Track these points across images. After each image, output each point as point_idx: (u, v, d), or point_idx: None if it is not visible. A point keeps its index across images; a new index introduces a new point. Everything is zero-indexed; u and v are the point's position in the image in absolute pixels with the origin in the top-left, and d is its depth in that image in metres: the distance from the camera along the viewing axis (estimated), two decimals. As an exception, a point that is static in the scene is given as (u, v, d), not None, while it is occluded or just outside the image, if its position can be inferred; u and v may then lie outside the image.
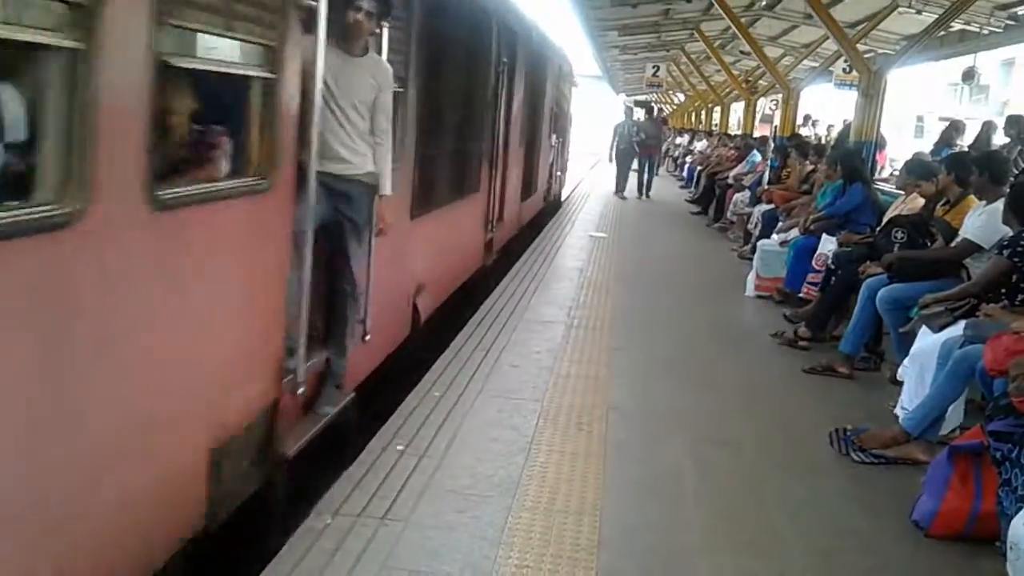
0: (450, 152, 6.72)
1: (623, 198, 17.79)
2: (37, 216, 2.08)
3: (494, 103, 8.47)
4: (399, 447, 4.07)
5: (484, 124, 8.04)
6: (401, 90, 4.87)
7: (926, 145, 13.49)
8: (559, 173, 16.84)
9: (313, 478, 3.82)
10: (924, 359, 4.70)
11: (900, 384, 5.06)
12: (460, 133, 7.04)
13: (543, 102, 12.61)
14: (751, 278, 8.73)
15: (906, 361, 5.03)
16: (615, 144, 18.39)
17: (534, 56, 10.98)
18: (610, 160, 19.06)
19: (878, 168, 12.21)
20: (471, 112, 7.45)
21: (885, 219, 6.83)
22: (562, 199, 17.49)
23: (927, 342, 4.80)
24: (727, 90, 25.08)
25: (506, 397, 4.93)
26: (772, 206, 10.38)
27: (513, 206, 10.46)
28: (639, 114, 21.36)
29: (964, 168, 5.83)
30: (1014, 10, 10.87)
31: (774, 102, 21.66)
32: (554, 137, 14.80)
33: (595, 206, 16.28)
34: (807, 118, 19.26)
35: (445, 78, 6.30)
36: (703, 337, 6.98)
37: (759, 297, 8.47)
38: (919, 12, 11.25)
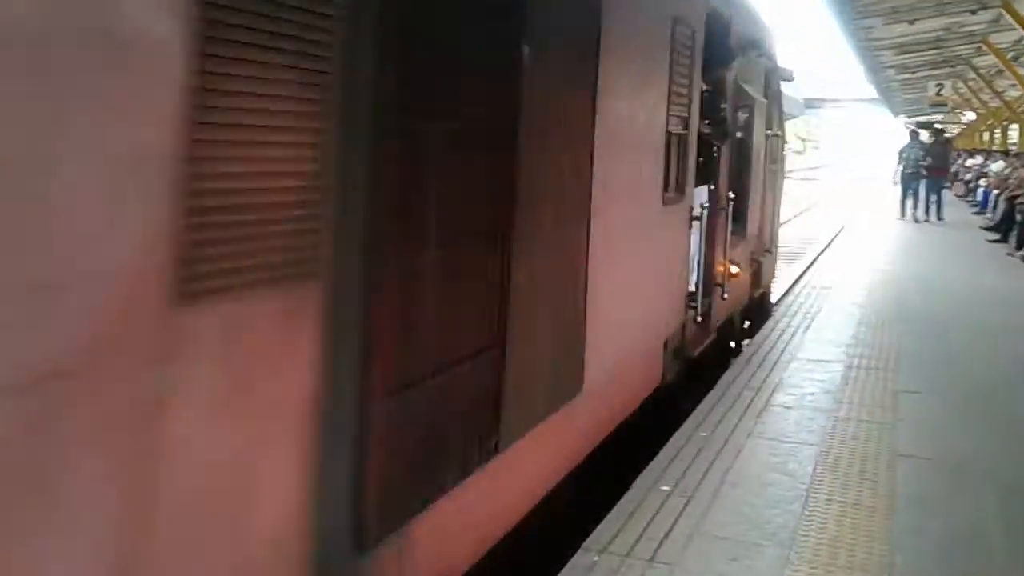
0: None
1: (916, 220, 17.53)
2: None
3: None
4: (664, 488, 3.97)
5: None
6: None
7: None
8: (735, 267, 6.49)
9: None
10: None
11: None
12: None
13: (628, 108, 4.17)
14: (1065, 312, 7.75)
15: None
16: (901, 168, 18.18)
17: None
18: (895, 183, 18.51)
19: None
20: None
21: None
22: (772, 304, 9.39)
23: None
24: (1026, 104, 22.76)
25: (779, 440, 4.70)
26: (1089, 230, 9.21)
27: None
28: (924, 136, 20.34)
29: None
30: None
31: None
32: (707, 192, 5.91)
33: (877, 235, 15.29)
34: None
35: None
36: (1007, 379, 6.24)
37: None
38: None
